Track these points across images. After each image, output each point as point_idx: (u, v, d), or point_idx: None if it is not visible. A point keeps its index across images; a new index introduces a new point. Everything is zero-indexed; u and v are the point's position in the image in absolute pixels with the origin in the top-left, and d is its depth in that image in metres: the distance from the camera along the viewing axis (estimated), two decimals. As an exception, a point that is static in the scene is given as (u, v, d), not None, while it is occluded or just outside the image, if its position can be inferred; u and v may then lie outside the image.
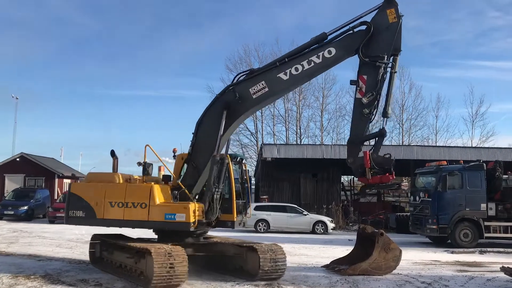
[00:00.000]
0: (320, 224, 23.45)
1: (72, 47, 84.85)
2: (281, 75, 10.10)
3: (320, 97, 46.69)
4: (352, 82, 10.21)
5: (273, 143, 40.91)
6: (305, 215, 23.73)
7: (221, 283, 9.80)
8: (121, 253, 10.26)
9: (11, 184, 32.12)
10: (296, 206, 24.77)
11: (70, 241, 16.91)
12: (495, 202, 18.44)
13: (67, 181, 36.14)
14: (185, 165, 10.80)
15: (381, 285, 10.03)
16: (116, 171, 10.62)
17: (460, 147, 33.98)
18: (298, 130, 46.99)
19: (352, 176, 34.58)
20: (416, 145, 35.77)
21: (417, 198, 19.77)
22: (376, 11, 10.01)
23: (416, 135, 47.95)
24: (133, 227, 10.34)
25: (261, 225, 23.04)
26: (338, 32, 10.10)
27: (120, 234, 11.24)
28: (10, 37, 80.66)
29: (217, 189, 10.18)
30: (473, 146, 42.22)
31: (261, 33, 74.85)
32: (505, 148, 30.30)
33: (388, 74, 9.91)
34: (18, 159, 33.42)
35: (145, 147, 10.30)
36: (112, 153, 10.59)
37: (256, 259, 9.83)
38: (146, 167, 10.32)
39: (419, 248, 17.94)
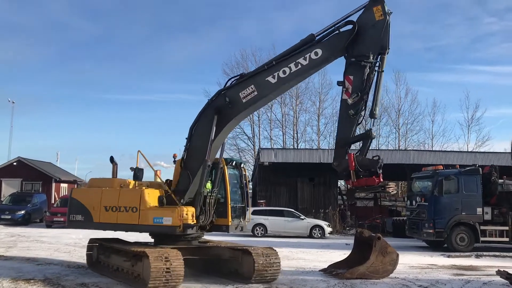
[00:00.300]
0: (317, 229, 23.53)
1: (70, 51, 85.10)
2: (270, 78, 9.99)
3: (317, 101, 46.89)
4: (339, 83, 9.92)
5: (270, 147, 41.08)
6: (302, 219, 23.81)
7: (220, 286, 9.88)
8: (118, 256, 10.45)
9: (8, 188, 32.05)
10: (293, 210, 24.85)
11: (68, 245, 16.91)
12: (491, 206, 18.57)
13: (64, 186, 36.14)
14: None
15: (378, 288, 10.12)
16: (115, 177, 10.83)
17: (456, 151, 34.20)
18: (295, 135, 47.22)
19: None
20: (413, 150, 35.89)
21: (414, 202, 19.88)
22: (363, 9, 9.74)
23: (413, 139, 48.33)
24: (126, 231, 10.71)
25: (258, 229, 23.09)
26: (326, 33, 9.88)
27: (117, 238, 11.46)
28: (7, 41, 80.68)
29: (209, 193, 10.34)
30: (469, 150, 42.50)
31: (258, 37, 75.25)
32: (501, 152, 30.50)
33: (376, 74, 9.57)
34: (15, 163, 33.36)
35: (138, 152, 10.51)
36: (111, 159, 10.80)
37: (251, 262, 9.99)
38: (136, 172, 10.54)
39: (416, 252, 18.05)
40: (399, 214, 31.06)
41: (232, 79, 10.65)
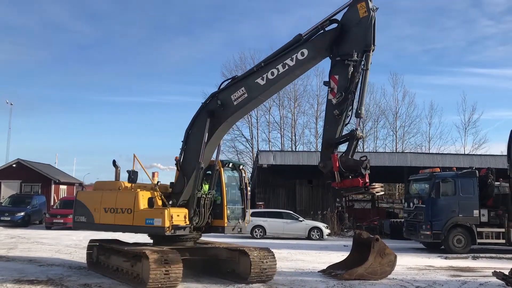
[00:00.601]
0: (315, 230, 23.67)
1: (68, 53, 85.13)
2: (259, 80, 9.99)
3: (315, 104, 46.98)
4: (325, 83, 9.69)
5: (268, 149, 41.22)
6: (301, 221, 23.94)
7: (220, 286, 10.05)
8: (117, 257, 10.69)
9: (8, 190, 32.08)
10: (292, 212, 25.00)
11: (69, 246, 17.03)
12: (488, 208, 18.73)
13: (63, 187, 36.20)
14: None
15: (376, 289, 10.28)
16: (118, 179, 11.08)
17: (453, 154, 34.42)
18: (293, 137, 47.39)
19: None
20: (410, 152, 36.14)
21: (411, 204, 20.05)
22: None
23: (410, 142, 48.59)
24: (123, 232, 11.04)
25: (257, 231, 23.22)
26: (312, 33, 9.74)
27: (117, 239, 11.69)
28: (5, 43, 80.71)
29: (203, 195, 10.52)
30: (466, 153, 42.74)
31: (256, 40, 75.37)
32: (497, 155, 30.70)
33: (362, 72, 9.22)
34: (14, 165, 33.38)
35: (133, 155, 10.79)
36: (114, 163, 11.00)
37: (247, 262, 10.18)
38: (131, 174, 10.76)
39: (414, 253, 18.22)
40: (396, 216, 31.21)
41: (225, 82, 10.68)
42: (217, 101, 10.33)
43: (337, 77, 9.32)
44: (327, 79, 9.61)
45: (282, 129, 47.40)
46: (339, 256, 13.52)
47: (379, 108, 48.65)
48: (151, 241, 11.14)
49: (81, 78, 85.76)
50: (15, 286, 9.58)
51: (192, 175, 10.44)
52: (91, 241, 11.98)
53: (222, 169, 10.99)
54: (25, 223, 26.27)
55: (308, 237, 23.43)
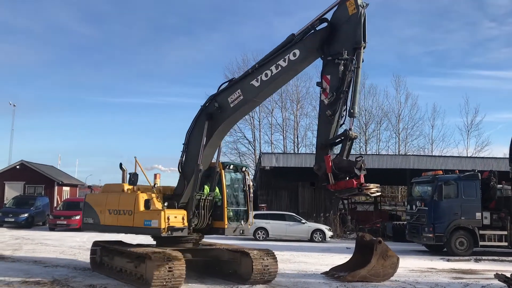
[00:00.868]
0: (318, 232, 23.73)
1: (70, 54, 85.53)
2: (253, 82, 9.97)
3: (317, 106, 46.93)
4: (317, 84, 9.49)
5: (271, 152, 41.30)
6: (304, 223, 24.01)
7: (224, 287, 10.14)
8: (121, 258, 10.80)
9: (11, 191, 32.24)
10: (294, 214, 25.06)
11: (73, 248, 17.15)
12: (490, 211, 18.78)
13: (66, 189, 36.35)
14: None
15: (379, 291, 10.35)
16: (125, 182, 11.25)
17: (456, 156, 34.41)
18: (296, 139, 47.41)
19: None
20: (413, 155, 36.14)
21: (414, 207, 20.10)
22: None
23: (413, 144, 48.60)
24: (125, 233, 11.26)
25: (260, 233, 23.30)
26: (303, 33, 9.63)
27: (120, 241, 11.86)
28: (8, 44, 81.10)
29: (202, 197, 10.62)
30: (468, 156, 42.74)
31: (257, 41, 75.52)
32: (500, 158, 30.74)
33: (355, 70, 8.98)
34: (18, 167, 33.54)
35: (135, 158, 10.97)
36: (120, 166, 11.14)
37: (249, 263, 10.27)
38: (131, 177, 10.90)
39: (416, 256, 18.27)
40: (399, 218, 31.30)
41: (224, 84, 10.69)
42: (215, 104, 10.41)
43: (329, 77, 9.16)
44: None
45: (284, 131, 47.54)
46: (342, 258, 13.59)
47: (382, 110, 48.76)
48: (154, 242, 11.24)
49: (83, 79, 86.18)
50: (22, 286, 9.69)
51: (191, 177, 10.54)
52: (95, 243, 12.10)
53: (223, 171, 11.06)
54: (28, 225, 26.40)
55: (311, 239, 23.50)
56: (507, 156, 20.06)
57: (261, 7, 76.77)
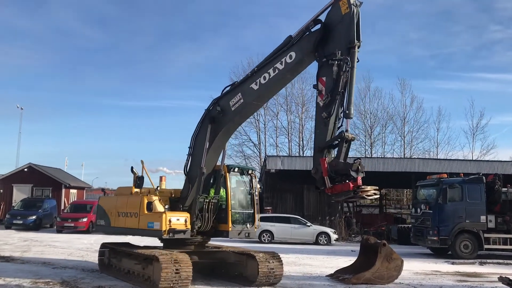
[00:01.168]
0: (323, 235, 23.83)
1: (76, 58, 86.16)
2: (253, 85, 9.97)
3: (321, 109, 47.07)
4: (314, 86, 9.29)
5: (276, 154, 41.40)
6: (309, 226, 24.11)
7: (230, 290, 10.30)
8: (129, 260, 10.99)
9: (19, 194, 32.55)
10: (299, 217, 25.17)
11: (80, 250, 17.36)
12: (495, 214, 18.84)
13: (73, 191, 36.64)
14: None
15: (383, 293, 10.45)
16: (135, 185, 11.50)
17: (461, 160, 34.44)
18: (301, 142, 47.55)
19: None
20: (418, 158, 36.24)
21: (418, 210, 20.16)
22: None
23: (418, 147, 48.50)
24: (132, 235, 11.49)
25: (265, 235, 23.43)
26: (299, 34, 9.52)
27: (128, 243, 12.13)
28: (15, 47, 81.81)
29: (206, 200, 10.75)
30: (473, 159, 42.67)
31: (262, 45, 75.91)
32: (505, 161, 30.73)
33: (350, 70, 8.64)
34: (26, 170, 33.85)
35: (141, 162, 11.19)
36: (132, 169, 11.33)
37: (255, 266, 10.41)
38: (137, 180, 11.12)
39: (420, 259, 18.33)
40: (404, 221, 31.30)
41: (227, 88, 10.71)
42: (217, 107, 10.52)
43: (324, 78, 8.96)
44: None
45: (289, 134, 47.68)
46: (347, 261, 13.67)
47: (387, 113, 48.76)
48: (161, 244, 11.38)
49: (90, 82, 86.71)
50: (32, 286, 9.90)
51: (196, 180, 10.68)
52: (103, 245, 12.31)
53: (227, 174, 11.16)
54: (36, 227, 26.65)
55: (316, 242, 23.60)
56: (512, 159, 20.10)
57: (265, 10, 77.12)
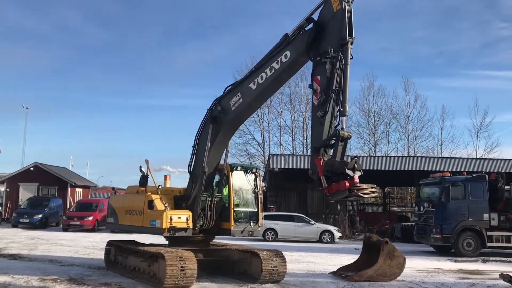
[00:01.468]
0: (327, 234, 23.96)
1: (82, 57, 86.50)
2: (251, 85, 9.99)
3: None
4: (309, 86, 9.15)
5: (280, 153, 41.56)
6: (312, 224, 24.25)
7: (234, 286, 10.44)
8: (135, 257, 11.18)
9: (25, 193, 32.86)
10: (303, 215, 25.31)
11: (86, 248, 17.57)
12: (498, 212, 18.93)
13: (79, 190, 36.94)
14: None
15: (385, 290, 10.59)
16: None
17: (464, 158, 34.49)
18: (305, 141, 47.61)
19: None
20: (421, 156, 36.26)
21: (422, 208, 20.27)
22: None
23: (422, 146, 48.60)
24: (137, 232, 11.92)
25: (269, 234, 23.58)
26: (294, 33, 9.49)
27: (133, 240, 12.30)
28: (21, 47, 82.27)
29: (208, 198, 10.91)
30: (477, 157, 42.65)
31: (268, 43, 75.70)
32: (508, 159, 30.69)
33: (343, 67, 8.48)
34: (32, 169, 34.15)
35: (146, 161, 11.33)
36: (140, 169, 11.51)
37: (259, 263, 10.57)
38: (141, 179, 11.30)
39: (423, 256, 18.43)
40: (407, 219, 31.38)
41: (228, 87, 10.75)
42: (218, 107, 10.63)
43: (319, 77, 8.84)
44: None
45: (293, 133, 47.89)
46: (350, 259, 13.80)
47: (391, 112, 48.83)
48: (167, 242, 11.54)
49: (95, 81, 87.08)
50: (40, 284, 10.09)
51: (199, 178, 10.82)
52: (109, 242, 12.53)
53: (230, 172, 11.28)
54: (42, 225, 26.91)
55: (320, 240, 23.73)
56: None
57: (271, 8, 77.11)
